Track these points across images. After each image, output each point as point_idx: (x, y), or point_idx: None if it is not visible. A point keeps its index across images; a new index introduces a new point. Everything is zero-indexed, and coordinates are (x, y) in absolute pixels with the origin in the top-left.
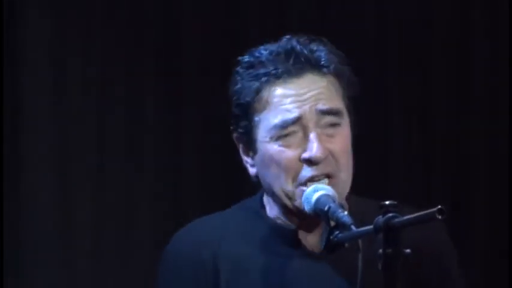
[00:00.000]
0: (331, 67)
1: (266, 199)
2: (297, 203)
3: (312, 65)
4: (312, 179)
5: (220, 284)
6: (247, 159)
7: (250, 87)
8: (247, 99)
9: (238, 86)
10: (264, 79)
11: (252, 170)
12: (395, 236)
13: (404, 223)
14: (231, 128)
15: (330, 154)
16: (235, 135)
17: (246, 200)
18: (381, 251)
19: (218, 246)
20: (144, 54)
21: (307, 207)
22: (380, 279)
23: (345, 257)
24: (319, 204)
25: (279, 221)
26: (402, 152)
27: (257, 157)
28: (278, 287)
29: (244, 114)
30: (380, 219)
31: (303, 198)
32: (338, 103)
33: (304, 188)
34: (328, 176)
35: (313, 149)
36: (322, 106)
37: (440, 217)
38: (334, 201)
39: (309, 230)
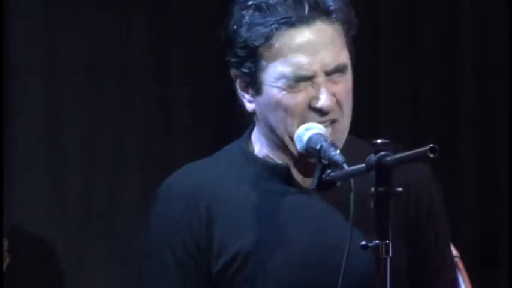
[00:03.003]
0: (340, 14)
1: (257, 138)
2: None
3: (321, 12)
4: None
5: (214, 226)
6: (244, 95)
7: (259, 32)
8: (256, 43)
9: (244, 28)
10: (274, 26)
11: (249, 106)
12: (387, 174)
13: (396, 161)
14: (230, 62)
15: (335, 100)
16: (234, 71)
17: (231, 144)
18: (373, 189)
19: (211, 188)
20: None
21: (299, 146)
22: (372, 218)
23: (339, 194)
24: (311, 142)
25: (269, 160)
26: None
27: (260, 98)
28: (273, 223)
29: (250, 57)
30: (372, 157)
31: (295, 137)
32: (344, 55)
33: None
34: (332, 121)
35: (323, 99)
36: (330, 67)
37: (432, 155)
38: (326, 140)
39: (305, 170)
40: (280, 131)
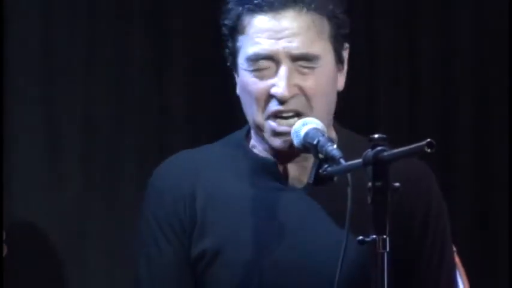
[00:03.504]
0: (313, 5)
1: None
2: (266, 136)
3: (294, 3)
4: (278, 114)
5: (197, 214)
6: (235, 76)
7: (234, 11)
8: (230, 22)
9: (225, 7)
10: (246, 6)
11: (238, 89)
12: (384, 169)
13: (394, 156)
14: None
15: (300, 92)
16: (225, 51)
17: (233, 133)
18: (370, 184)
19: (198, 176)
20: None
21: (296, 141)
22: (369, 213)
23: (328, 192)
24: (308, 137)
25: (259, 153)
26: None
27: (238, 81)
28: (259, 218)
29: (230, 36)
30: (369, 152)
31: (292, 132)
32: (317, 46)
33: (271, 122)
34: (298, 114)
35: (280, 87)
36: (295, 51)
37: (429, 150)
38: (323, 135)
39: (286, 162)
40: (249, 118)
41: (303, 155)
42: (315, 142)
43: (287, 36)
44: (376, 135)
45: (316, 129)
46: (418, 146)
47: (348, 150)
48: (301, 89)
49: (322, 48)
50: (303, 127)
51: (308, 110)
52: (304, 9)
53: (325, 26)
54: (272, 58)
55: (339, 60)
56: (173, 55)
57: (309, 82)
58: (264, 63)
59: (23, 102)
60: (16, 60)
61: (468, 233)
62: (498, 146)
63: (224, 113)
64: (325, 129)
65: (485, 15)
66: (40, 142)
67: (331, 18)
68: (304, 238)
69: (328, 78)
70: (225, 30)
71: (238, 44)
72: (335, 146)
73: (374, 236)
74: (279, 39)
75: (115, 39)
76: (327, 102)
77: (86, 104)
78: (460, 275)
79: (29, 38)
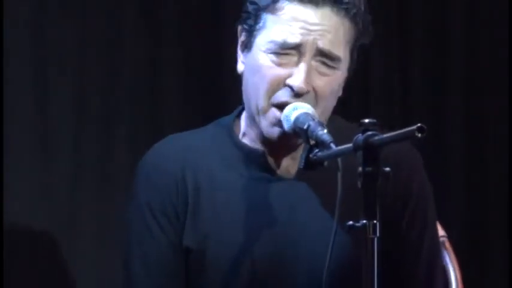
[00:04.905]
0: (351, 12)
1: (244, 117)
2: (264, 123)
3: (336, 2)
4: (285, 105)
5: (188, 200)
6: (240, 54)
7: None
8: (263, 3)
9: None
10: None
11: (239, 67)
12: (375, 154)
13: (384, 141)
14: (240, 19)
15: (313, 90)
16: (239, 27)
17: (222, 118)
18: (360, 169)
19: (187, 163)
20: None
21: (286, 126)
22: (359, 198)
23: (315, 182)
24: (298, 122)
25: (249, 141)
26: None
27: (248, 59)
28: (247, 208)
29: (254, 14)
30: (359, 137)
31: (283, 116)
32: (341, 49)
33: (275, 109)
34: None
35: (298, 79)
36: (322, 45)
37: (419, 135)
38: (313, 120)
39: (276, 152)
40: (252, 100)
41: (293, 146)
42: (305, 127)
43: (319, 31)
44: (366, 120)
45: (306, 113)
46: (408, 130)
47: (337, 136)
48: (313, 88)
49: (344, 53)
50: (293, 111)
51: (314, 106)
52: (342, 12)
53: (351, 33)
54: (298, 48)
55: (350, 68)
56: (167, 49)
57: (323, 83)
58: (288, 51)
59: (16, 101)
60: (9, 58)
61: (462, 228)
62: (492, 134)
63: (218, 106)
64: (316, 114)
65: (480, 4)
66: (33, 137)
67: (359, 28)
68: (294, 228)
69: (339, 83)
70: (249, 7)
71: (262, 23)
72: (325, 131)
73: (364, 221)
74: (311, 31)
75: (108, 33)
76: (331, 105)
77: (80, 99)
78: (450, 260)
79: (21, 35)
